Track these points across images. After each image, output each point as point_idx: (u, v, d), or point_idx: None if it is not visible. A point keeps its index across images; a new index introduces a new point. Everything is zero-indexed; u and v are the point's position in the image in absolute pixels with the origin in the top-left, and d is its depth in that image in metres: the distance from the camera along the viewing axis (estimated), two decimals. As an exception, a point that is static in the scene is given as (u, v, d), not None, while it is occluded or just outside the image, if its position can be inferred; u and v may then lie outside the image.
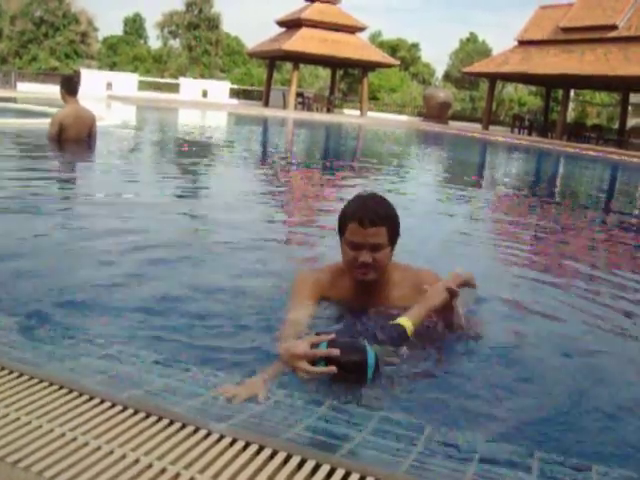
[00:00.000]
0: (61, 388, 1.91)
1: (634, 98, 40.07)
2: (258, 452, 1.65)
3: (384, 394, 2.21)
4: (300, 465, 1.61)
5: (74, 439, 1.65)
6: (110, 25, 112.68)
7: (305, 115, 33.84)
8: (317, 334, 2.28)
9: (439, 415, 2.18)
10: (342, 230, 2.79)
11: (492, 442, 1.98)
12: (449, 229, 6.38)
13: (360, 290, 2.86)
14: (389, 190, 8.92)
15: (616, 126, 35.65)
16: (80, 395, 1.88)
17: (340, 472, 1.58)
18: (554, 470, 1.81)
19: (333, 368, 2.13)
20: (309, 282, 2.93)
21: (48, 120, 9.10)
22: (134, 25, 68.53)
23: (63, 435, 1.66)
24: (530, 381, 2.63)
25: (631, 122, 38.90)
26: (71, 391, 1.90)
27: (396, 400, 2.23)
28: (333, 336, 2.22)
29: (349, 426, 1.86)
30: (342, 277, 2.90)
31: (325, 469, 1.59)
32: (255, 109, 35.12)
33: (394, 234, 2.78)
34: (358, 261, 2.71)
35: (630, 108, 38.51)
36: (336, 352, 2.15)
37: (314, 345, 2.20)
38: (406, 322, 2.49)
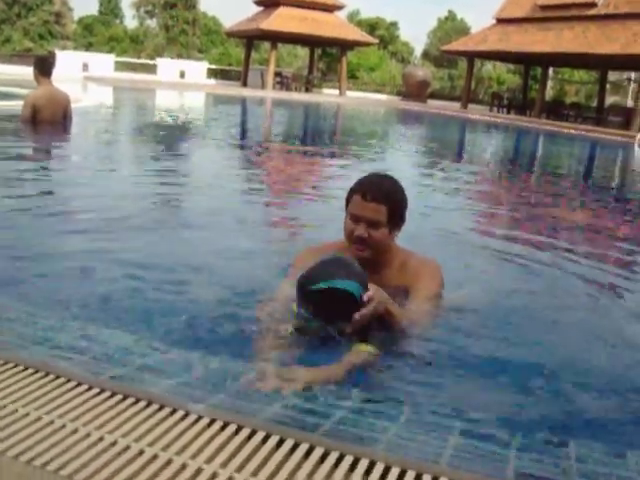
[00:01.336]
0: (37, 372, 1.89)
1: (612, 76, 40.27)
2: (237, 432, 1.64)
3: (364, 373, 2.22)
4: (279, 444, 1.60)
5: (51, 422, 1.63)
6: (85, 5, 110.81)
7: (284, 95, 33.65)
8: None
9: (418, 392, 2.19)
10: (346, 203, 2.81)
11: (471, 418, 1.99)
12: (429, 205, 6.37)
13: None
14: (367, 168, 8.92)
15: (594, 104, 35.79)
16: (56, 378, 1.86)
17: (319, 450, 1.58)
18: (533, 444, 1.83)
19: None
20: (306, 257, 2.93)
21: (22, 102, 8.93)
22: (109, 5, 67.50)
23: (39, 419, 1.64)
24: (510, 356, 2.64)
25: (609, 100, 39.08)
26: (47, 374, 1.88)
27: (375, 378, 2.23)
28: None
29: (328, 404, 1.86)
30: (345, 253, 2.89)
31: (304, 448, 1.59)
32: (233, 89, 34.84)
33: (395, 216, 2.77)
34: (354, 235, 2.72)
35: (608, 86, 38.67)
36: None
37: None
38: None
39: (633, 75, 39.72)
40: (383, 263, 2.84)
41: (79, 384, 1.83)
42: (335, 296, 2.22)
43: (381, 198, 2.69)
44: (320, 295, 2.24)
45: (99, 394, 1.79)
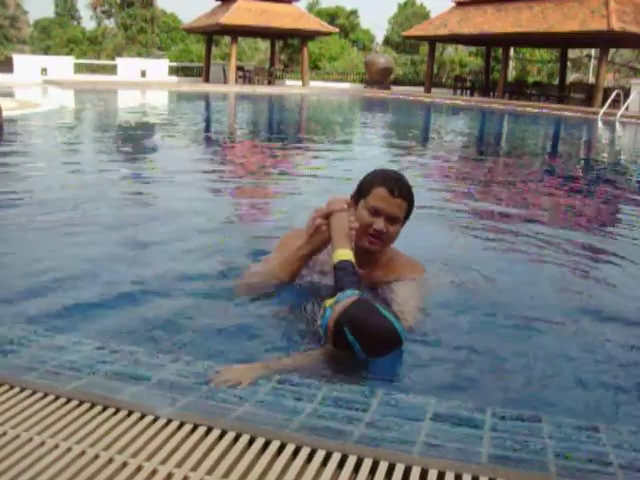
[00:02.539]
0: (1, 385, 1.85)
1: (572, 53, 40.58)
2: (207, 433, 1.63)
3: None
4: (250, 443, 1.59)
5: (17, 436, 1.61)
6: (40, 7, 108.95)
7: (247, 89, 33.47)
8: None
9: (389, 379, 2.18)
10: (364, 193, 2.73)
11: (444, 400, 1.99)
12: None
13: None
14: (337, 158, 8.93)
15: (556, 82, 36.07)
16: (22, 390, 1.83)
17: (291, 447, 1.57)
18: (505, 424, 1.83)
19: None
20: (291, 238, 2.91)
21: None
22: (65, 6, 66.46)
23: (5, 433, 1.62)
24: (480, 337, 2.65)
25: (571, 77, 39.42)
26: (12, 387, 1.85)
27: (345, 369, 2.22)
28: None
29: (298, 398, 1.85)
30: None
31: (275, 445, 1.58)
32: (196, 85, 34.60)
33: (409, 212, 2.76)
34: (373, 227, 2.67)
35: (569, 64, 38.98)
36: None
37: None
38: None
39: (593, 52, 40.06)
40: (375, 257, 2.82)
41: (45, 395, 1.81)
42: (345, 343, 2.20)
43: (406, 195, 2.68)
44: (340, 334, 2.21)
45: (66, 404, 1.77)
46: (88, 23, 73.29)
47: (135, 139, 11.22)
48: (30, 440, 1.59)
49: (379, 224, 2.66)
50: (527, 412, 1.94)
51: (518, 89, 32.67)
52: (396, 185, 2.67)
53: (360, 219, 2.70)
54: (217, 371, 2.02)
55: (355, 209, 2.74)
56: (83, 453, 1.54)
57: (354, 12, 64.35)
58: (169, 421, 1.68)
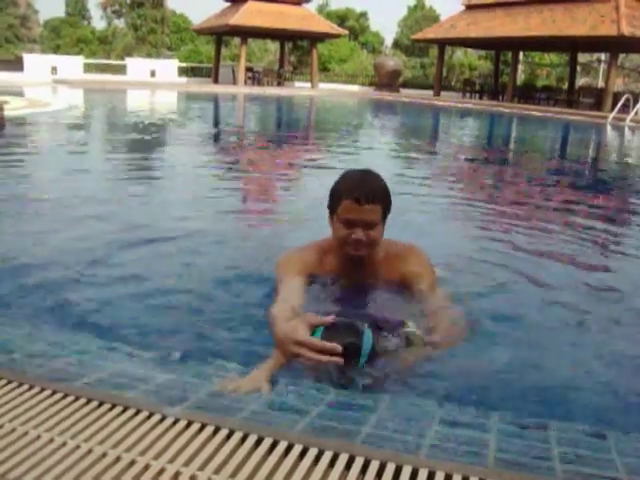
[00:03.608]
0: (10, 382, 1.86)
1: (582, 57, 40.47)
2: (215, 433, 1.63)
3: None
4: (258, 443, 1.59)
5: (25, 433, 1.61)
6: (51, 7, 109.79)
7: (256, 90, 33.54)
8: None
9: (396, 383, 2.18)
10: (334, 207, 2.69)
11: (451, 403, 1.99)
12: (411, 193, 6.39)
13: (349, 266, 2.78)
14: (346, 156, 8.92)
15: (566, 86, 36.01)
16: (30, 388, 1.84)
17: (298, 447, 1.57)
18: (512, 428, 1.83)
19: (338, 360, 1.97)
20: (295, 260, 2.83)
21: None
22: (76, 6, 66.66)
23: (14, 430, 1.62)
24: (486, 343, 2.65)
25: (580, 81, 39.32)
26: (20, 384, 1.85)
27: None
28: (332, 318, 2.07)
29: (305, 400, 1.85)
30: (329, 254, 2.82)
31: (283, 445, 1.58)
32: (205, 86, 34.70)
33: (387, 211, 2.71)
34: (351, 238, 2.63)
35: (579, 68, 38.90)
36: (338, 348, 1.96)
37: (312, 327, 2.06)
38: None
39: (603, 56, 39.96)
40: (371, 256, 2.80)
41: (53, 393, 1.81)
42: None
43: (375, 199, 2.60)
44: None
45: (74, 402, 1.77)
46: (98, 23, 73.68)
47: (143, 139, 11.25)
48: (38, 437, 1.59)
49: (357, 234, 2.61)
50: (534, 417, 1.93)
51: (527, 93, 32.66)
52: (361, 192, 2.59)
53: (337, 232, 2.69)
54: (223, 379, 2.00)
55: (331, 221, 2.73)
56: (90, 451, 1.54)
57: (364, 14, 64.40)
58: (177, 420, 1.68)
